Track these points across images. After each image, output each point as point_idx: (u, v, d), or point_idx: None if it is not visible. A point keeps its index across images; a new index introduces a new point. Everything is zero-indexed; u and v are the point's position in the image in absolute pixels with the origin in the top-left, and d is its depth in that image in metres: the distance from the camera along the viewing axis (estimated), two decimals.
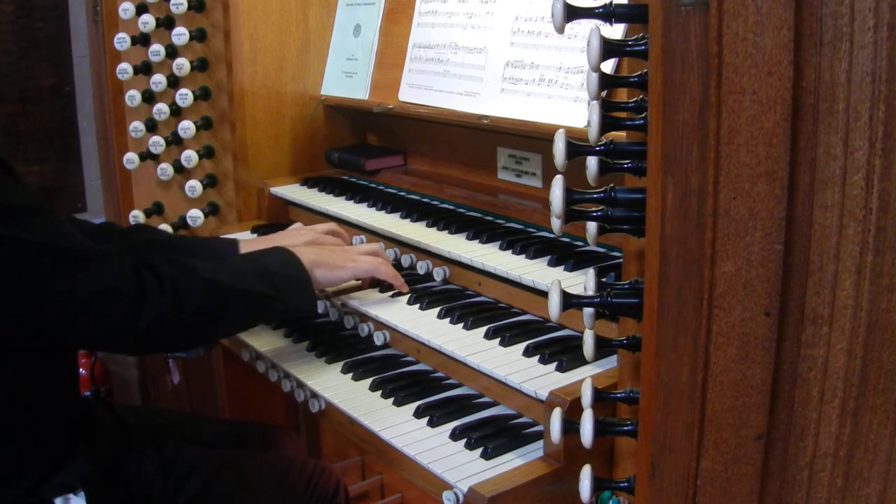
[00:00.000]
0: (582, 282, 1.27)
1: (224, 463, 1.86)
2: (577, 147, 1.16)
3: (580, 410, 1.23)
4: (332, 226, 2.11)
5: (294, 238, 2.01)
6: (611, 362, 1.53)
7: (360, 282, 1.99)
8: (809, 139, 0.91)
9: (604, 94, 1.15)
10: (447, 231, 2.04)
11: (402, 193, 2.39)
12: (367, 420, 1.63)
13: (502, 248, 1.89)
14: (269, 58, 2.51)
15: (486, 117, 2.04)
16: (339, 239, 2.07)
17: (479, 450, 1.49)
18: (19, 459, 1.57)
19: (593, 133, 1.13)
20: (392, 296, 1.94)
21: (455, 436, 1.54)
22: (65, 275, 1.46)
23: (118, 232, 2.04)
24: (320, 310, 2.08)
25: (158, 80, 2.54)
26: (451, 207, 2.22)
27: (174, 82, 2.54)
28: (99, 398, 2.96)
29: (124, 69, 2.57)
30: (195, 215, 2.58)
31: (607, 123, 1.13)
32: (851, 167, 0.90)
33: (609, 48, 1.09)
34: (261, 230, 2.45)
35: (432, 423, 1.60)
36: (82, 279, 1.47)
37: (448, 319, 1.79)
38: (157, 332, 1.54)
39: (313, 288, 1.79)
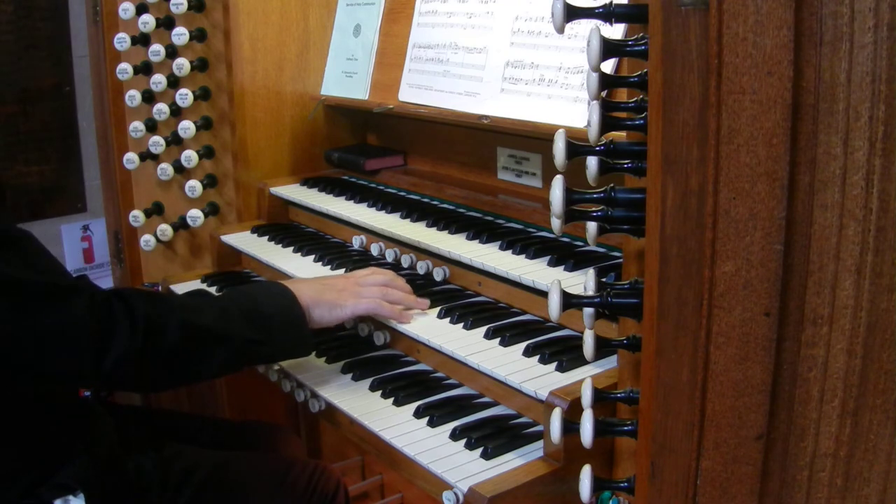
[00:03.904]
0: (582, 282, 1.27)
1: (224, 463, 1.86)
2: (577, 147, 1.16)
3: (580, 410, 1.23)
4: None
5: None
6: (611, 362, 1.53)
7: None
8: (809, 139, 0.91)
9: (604, 94, 1.15)
10: (447, 231, 2.04)
11: (402, 193, 2.39)
12: (368, 420, 1.63)
13: (502, 248, 1.89)
14: (269, 58, 2.51)
15: (486, 117, 2.04)
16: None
17: (479, 450, 1.49)
18: (17, 460, 1.57)
19: (593, 133, 1.13)
20: None
21: (455, 436, 1.54)
22: (26, 310, 1.41)
23: None
24: None
25: (158, 80, 2.54)
26: (451, 207, 2.22)
27: (174, 82, 2.54)
28: (99, 398, 2.96)
29: (124, 69, 2.57)
30: (195, 215, 2.58)
31: (607, 123, 1.13)
32: (851, 167, 0.90)
33: (609, 48, 1.09)
34: (261, 230, 2.45)
35: (432, 423, 1.59)
36: (44, 315, 1.42)
37: (448, 319, 1.79)
38: (123, 372, 1.49)
39: (309, 331, 1.71)
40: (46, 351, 1.44)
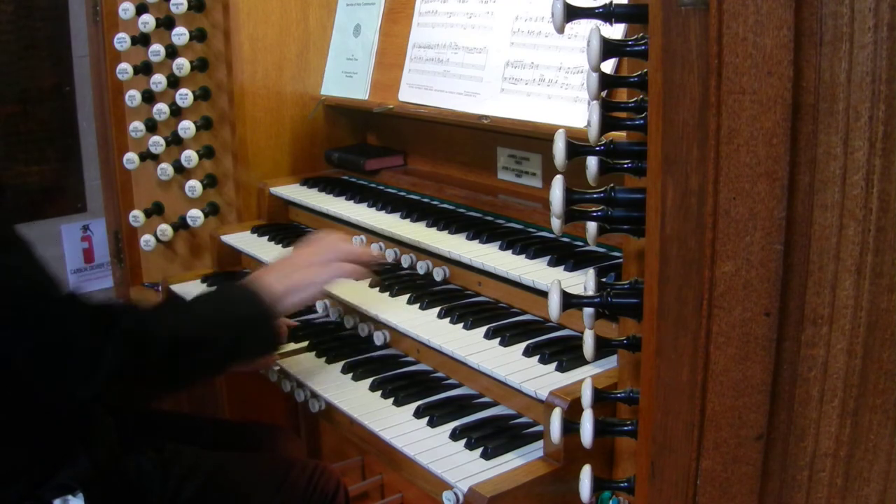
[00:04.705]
0: (582, 282, 1.27)
1: (224, 463, 1.86)
2: (577, 147, 1.16)
3: (580, 410, 1.23)
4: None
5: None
6: (611, 362, 1.53)
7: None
8: (809, 139, 0.91)
9: (604, 94, 1.15)
10: (447, 231, 2.04)
11: (402, 193, 2.39)
12: (368, 420, 1.63)
13: (502, 248, 1.89)
14: (269, 58, 2.51)
15: (486, 117, 2.04)
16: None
17: (479, 450, 1.49)
18: (17, 460, 1.57)
19: (593, 133, 1.13)
20: (392, 295, 1.94)
21: (455, 436, 1.54)
22: (15, 322, 1.40)
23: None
24: (320, 310, 2.08)
25: (158, 80, 2.54)
26: (451, 207, 2.22)
27: (174, 82, 2.54)
28: None
29: (124, 69, 2.57)
30: (195, 215, 2.58)
31: (607, 123, 1.13)
32: (851, 167, 0.90)
33: (609, 48, 1.09)
34: (261, 230, 2.45)
35: (432, 423, 1.59)
36: (35, 330, 1.41)
37: (448, 319, 1.79)
38: (113, 385, 1.48)
39: (275, 328, 1.71)
40: (35, 368, 1.43)
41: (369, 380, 1.77)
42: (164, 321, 1.59)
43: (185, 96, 2.49)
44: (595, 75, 1.11)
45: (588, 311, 1.21)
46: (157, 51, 2.53)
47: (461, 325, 1.76)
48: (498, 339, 1.68)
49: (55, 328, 1.43)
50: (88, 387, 1.46)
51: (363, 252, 1.85)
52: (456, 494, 1.41)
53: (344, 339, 1.96)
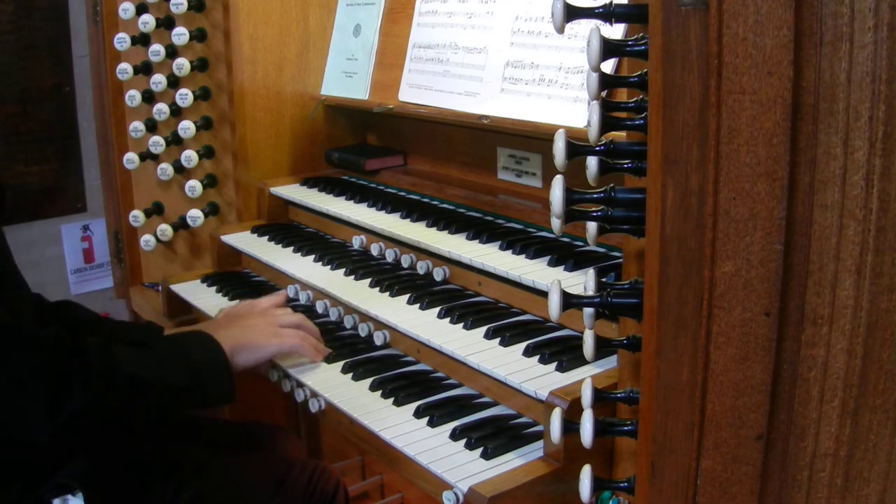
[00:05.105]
0: (582, 282, 1.27)
1: (224, 464, 1.86)
2: (577, 147, 1.16)
3: (580, 410, 1.23)
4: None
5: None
6: (611, 362, 1.53)
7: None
8: (809, 139, 0.91)
9: (604, 94, 1.15)
10: (447, 231, 2.04)
11: (402, 193, 2.39)
12: (367, 420, 1.63)
13: (502, 248, 1.89)
14: (269, 58, 2.51)
15: (486, 117, 2.04)
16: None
17: (479, 450, 1.49)
18: (17, 459, 1.57)
19: (593, 133, 1.13)
20: (392, 295, 1.94)
21: (455, 436, 1.54)
22: None
23: (46, 306, 1.90)
24: (320, 310, 2.08)
25: (158, 80, 2.54)
26: (451, 207, 2.22)
27: (174, 82, 2.54)
28: None
29: (124, 69, 2.57)
30: (195, 215, 2.58)
31: (607, 123, 1.13)
32: (851, 167, 0.90)
33: (609, 48, 1.09)
34: (261, 230, 2.45)
35: (432, 423, 1.59)
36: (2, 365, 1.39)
37: (448, 319, 1.79)
38: (75, 426, 1.47)
39: (232, 376, 1.73)
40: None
41: (369, 380, 1.76)
42: (127, 362, 1.57)
43: (185, 96, 2.49)
44: (595, 75, 1.11)
45: (588, 311, 1.21)
46: (157, 51, 2.53)
47: (461, 325, 1.76)
48: (498, 339, 1.68)
49: (15, 366, 1.42)
50: (50, 426, 1.44)
51: (317, 337, 1.88)
52: (456, 494, 1.41)
53: (344, 339, 1.96)
